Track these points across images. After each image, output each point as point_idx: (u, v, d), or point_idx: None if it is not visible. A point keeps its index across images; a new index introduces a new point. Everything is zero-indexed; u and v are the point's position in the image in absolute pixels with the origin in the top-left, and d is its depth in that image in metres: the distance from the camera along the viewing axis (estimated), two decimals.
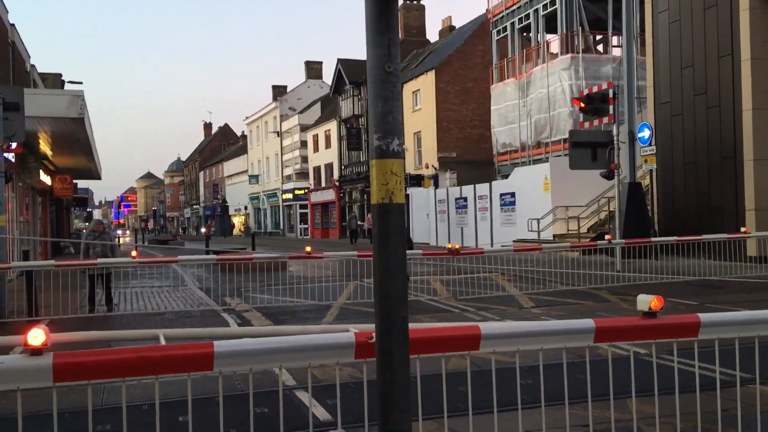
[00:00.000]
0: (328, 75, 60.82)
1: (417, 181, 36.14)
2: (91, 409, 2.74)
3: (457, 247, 12.84)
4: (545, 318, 9.63)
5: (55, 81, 33.06)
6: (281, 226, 62.74)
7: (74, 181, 32.89)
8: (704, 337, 3.36)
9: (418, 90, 38.53)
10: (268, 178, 65.07)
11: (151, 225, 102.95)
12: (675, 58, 19.84)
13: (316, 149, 54.91)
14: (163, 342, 2.98)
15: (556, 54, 27.99)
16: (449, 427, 3.60)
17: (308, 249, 12.66)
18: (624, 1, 18.36)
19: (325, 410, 5.19)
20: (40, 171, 23.85)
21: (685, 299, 10.85)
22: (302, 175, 57.65)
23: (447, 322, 6.58)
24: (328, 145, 52.50)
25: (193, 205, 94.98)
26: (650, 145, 18.54)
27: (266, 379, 5.67)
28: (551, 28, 28.55)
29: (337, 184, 50.34)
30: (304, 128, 57.06)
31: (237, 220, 76.65)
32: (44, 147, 20.24)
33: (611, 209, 21.64)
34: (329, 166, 52.53)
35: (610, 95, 16.36)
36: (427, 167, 37.21)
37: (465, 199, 29.83)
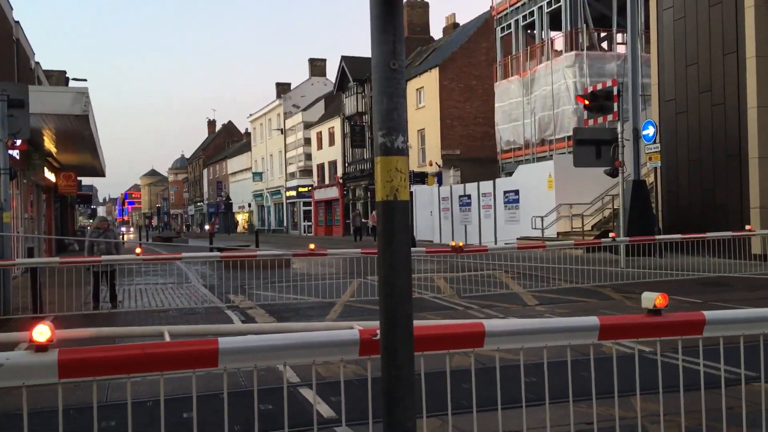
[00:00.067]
0: (331, 72, 60.94)
1: (421, 178, 36.14)
2: (96, 405, 2.74)
3: (460, 244, 12.84)
4: (549, 315, 9.62)
5: (59, 78, 33.11)
6: (285, 224, 62.79)
7: (78, 178, 32.95)
8: (709, 335, 3.35)
9: (422, 87, 38.49)
10: (271, 176, 65.12)
11: (155, 222, 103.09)
12: (680, 56, 19.78)
13: (319, 146, 54.91)
14: (167, 339, 2.99)
15: (561, 51, 27.93)
16: (453, 425, 3.60)
17: (312, 246, 12.67)
18: None
19: (329, 407, 5.20)
20: (45, 168, 23.90)
21: (689, 297, 10.83)
22: (306, 172, 57.68)
23: (451, 320, 6.58)
24: (331, 142, 52.50)
25: (196, 203, 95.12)
26: (655, 142, 18.49)
27: (270, 377, 5.68)
28: (555, 25, 28.48)
29: (340, 181, 50.34)
30: (307, 125, 57.06)
31: (241, 218, 76.75)
32: (49, 144, 20.28)
33: (615, 207, 21.60)
34: (333, 164, 52.54)
35: (615, 92, 16.31)
36: (430, 165, 37.19)
37: (469, 196, 29.81)
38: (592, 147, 16.05)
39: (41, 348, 2.46)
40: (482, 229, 28.50)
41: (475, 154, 36.34)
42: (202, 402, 2.94)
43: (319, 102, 58.15)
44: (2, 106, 10.16)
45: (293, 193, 58.79)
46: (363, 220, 41.47)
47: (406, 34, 44.80)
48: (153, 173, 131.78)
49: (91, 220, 66.30)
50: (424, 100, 38.51)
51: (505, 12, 31.54)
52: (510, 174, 28.76)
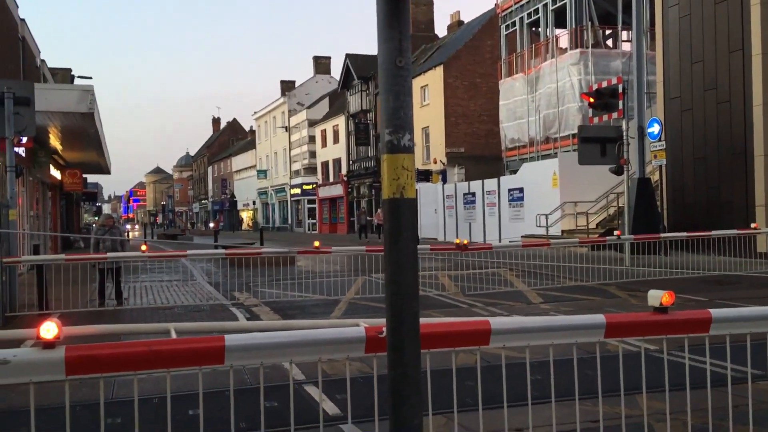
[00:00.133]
0: (336, 70, 60.82)
1: (425, 176, 36.13)
2: (103, 402, 2.75)
3: (465, 242, 12.83)
4: (554, 313, 9.61)
5: (64, 76, 33.19)
6: (289, 221, 62.86)
7: (84, 175, 33.06)
8: (715, 333, 3.35)
9: (427, 85, 38.46)
10: (276, 173, 65.19)
11: (159, 219, 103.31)
12: (685, 53, 19.72)
13: (324, 144, 54.93)
14: (174, 336, 3.00)
15: (565, 49, 27.87)
16: (458, 422, 3.61)
17: (317, 244, 12.67)
18: None
19: (334, 405, 5.21)
20: (50, 165, 23.97)
21: (695, 295, 10.80)
22: (310, 170, 57.72)
23: (456, 317, 6.58)
24: (336, 140, 52.52)
25: (201, 200, 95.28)
26: (660, 140, 18.45)
27: (275, 374, 5.69)
28: (560, 22, 28.42)
29: (345, 179, 50.36)
30: (312, 123, 57.10)
31: (245, 215, 76.86)
32: (54, 142, 20.34)
33: (620, 205, 21.56)
34: (337, 161, 52.55)
35: (620, 90, 16.28)
36: (435, 162, 37.18)
37: (473, 194, 29.79)
38: (597, 145, 16.03)
39: (48, 345, 2.47)
40: (486, 227, 28.49)
41: (480, 151, 36.31)
42: (207, 399, 2.95)
43: (324, 100, 58.18)
44: (8, 104, 10.18)
45: (298, 190, 58.85)
46: (368, 218, 41.50)
47: (411, 31, 44.75)
48: (158, 171, 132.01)
49: (96, 218, 66.51)
50: (428, 97, 38.49)
51: (509, 9, 31.48)
52: (514, 172, 28.73)
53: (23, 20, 19.36)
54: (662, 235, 16.03)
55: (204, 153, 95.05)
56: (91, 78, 33.37)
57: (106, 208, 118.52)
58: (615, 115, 17.02)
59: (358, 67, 46.66)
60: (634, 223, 17.19)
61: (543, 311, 10.08)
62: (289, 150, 61.59)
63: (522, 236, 22.99)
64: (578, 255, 15.00)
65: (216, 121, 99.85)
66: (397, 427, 2.28)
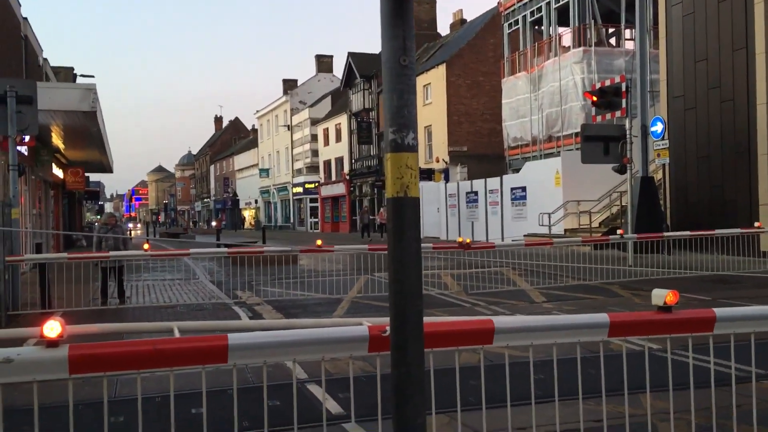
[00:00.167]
0: (338, 69, 60.91)
1: (427, 175, 36.11)
2: (106, 400, 2.75)
3: (468, 241, 12.82)
4: (556, 312, 9.60)
5: (67, 75, 33.22)
6: (291, 220, 62.88)
7: (86, 174, 33.07)
8: (720, 332, 3.34)
9: (429, 84, 38.43)
10: (278, 172, 65.20)
11: (162, 218, 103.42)
12: (688, 52, 19.68)
13: (326, 143, 54.93)
14: (177, 334, 2.99)
15: (568, 47, 27.82)
16: (462, 422, 3.60)
17: (319, 242, 12.67)
18: None
19: (336, 403, 5.21)
20: (53, 164, 24.00)
21: (698, 294, 10.78)
22: (312, 168, 57.73)
23: (459, 316, 6.57)
24: (338, 138, 52.51)
25: (203, 199, 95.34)
26: (663, 139, 18.41)
27: (277, 373, 5.69)
28: (563, 21, 28.37)
29: (347, 177, 50.35)
30: (314, 122, 57.10)
31: (247, 214, 76.90)
32: (57, 140, 20.36)
33: (623, 204, 21.53)
34: (339, 160, 52.55)
35: (623, 89, 16.25)
36: (437, 161, 37.15)
37: (476, 193, 29.77)
38: (600, 143, 16.01)
39: (52, 343, 2.47)
40: (489, 226, 28.47)
41: (482, 150, 36.27)
42: (210, 398, 2.94)
43: (326, 98, 58.17)
44: (11, 103, 10.18)
45: (300, 189, 58.86)
46: (371, 217, 41.48)
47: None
48: (160, 169, 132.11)
49: (98, 216, 66.56)
50: (431, 96, 38.46)
51: (512, 8, 31.43)
52: (517, 170, 28.70)
53: (26, 19, 19.37)
54: (665, 234, 16.01)
55: (206, 152, 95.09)
56: (93, 77, 33.41)
57: (109, 207, 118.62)
58: (618, 113, 16.97)
59: (360, 65, 46.62)
60: (637, 222, 17.16)
61: (546, 310, 10.07)
62: (292, 149, 61.59)
63: (525, 235, 22.96)
64: (581, 254, 14.98)
65: (218, 120, 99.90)
66: (401, 426, 2.27)
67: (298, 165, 60.25)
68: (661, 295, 3.17)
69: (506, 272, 14.51)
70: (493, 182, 28.43)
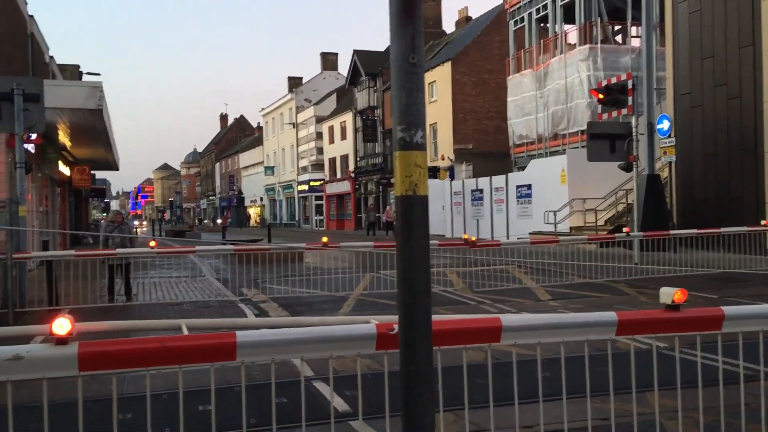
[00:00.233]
0: (343, 66, 60.83)
1: (433, 172, 36.05)
2: (115, 397, 2.77)
3: (473, 239, 12.81)
4: (562, 310, 9.59)
5: (73, 72, 33.31)
6: (297, 218, 62.94)
7: (92, 172, 33.16)
8: (728, 331, 3.33)
9: (434, 81, 38.39)
10: (283, 170, 65.26)
11: (167, 216, 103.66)
12: (695, 49, 19.60)
13: (331, 141, 54.94)
14: (185, 332, 3.00)
15: (574, 45, 27.76)
16: (468, 420, 3.60)
17: (325, 240, 12.68)
18: None
19: (342, 401, 5.21)
20: (59, 162, 24.07)
21: (705, 293, 10.75)
22: (318, 166, 57.75)
23: (465, 314, 6.57)
24: (343, 136, 52.52)
25: (209, 197, 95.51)
26: (669, 136, 18.37)
27: (283, 370, 5.70)
28: (569, 18, 28.30)
29: (352, 175, 50.36)
30: (319, 120, 57.11)
31: (253, 212, 77.00)
32: (63, 138, 20.41)
33: (629, 201, 21.48)
34: (345, 158, 52.56)
35: (629, 86, 16.19)
36: (443, 159, 37.12)
37: (481, 191, 29.74)
38: (606, 141, 15.96)
39: (61, 341, 2.48)
40: (494, 224, 28.44)
41: (488, 148, 36.22)
42: (216, 395, 2.95)
43: (331, 96, 58.18)
44: (18, 101, 10.21)
45: (305, 187, 58.89)
46: (376, 215, 41.49)
47: None
48: (166, 167, 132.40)
49: (104, 214, 66.76)
50: (436, 94, 38.42)
51: (518, 5, 31.36)
52: (522, 168, 28.66)
53: (32, 17, 19.41)
54: (672, 232, 15.96)
55: (211, 149, 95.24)
56: (99, 75, 33.50)
57: (115, 205, 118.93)
58: (624, 111, 16.92)
59: (365, 63, 46.60)
60: (643, 219, 17.12)
61: (551, 308, 10.06)
62: (297, 146, 61.64)
63: (530, 233, 22.93)
64: (587, 252, 14.95)
65: (223, 118, 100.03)
66: (410, 424, 2.27)
67: (303, 163, 60.29)
68: (669, 294, 3.17)
69: (512, 270, 14.49)
70: (499, 180, 28.39)
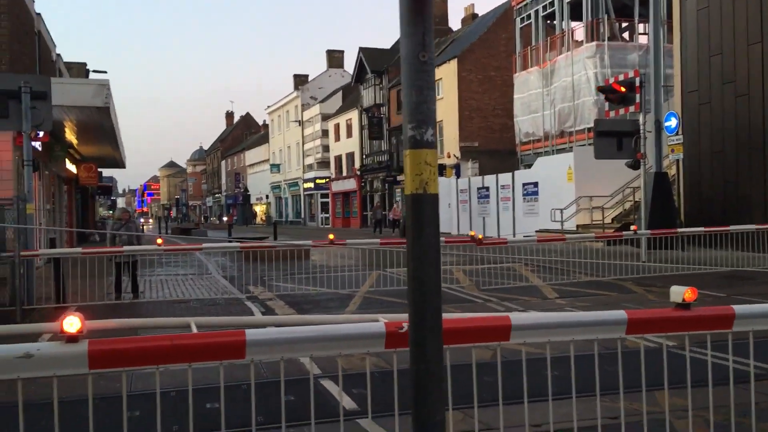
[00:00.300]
0: (349, 64, 60.83)
1: (439, 170, 35.89)
2: (125, 395, 2.77)
3: (480, 237, 12.79)
4: (570, 309, 9.57)
5: (80, 70, 33.39)
6: (302, 215, 63.00)
7: (99, 169, 33.25)
8: (739, 330, 3.31)
9: (441, 79, 38.32)
10: (289, 167, 65.32)
11: (173, 213, 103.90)
12: (703, 46, 19.50)
13: (337, 138, 54.94)
14: (195, 330, 3.00)
15: (581, 42, 27.67)
16: (477, 418, 3.59)
17: (331, 236, 12.69)
18: None
19: (350, 399, 5.21)
20: (66, 160, 24.14)
21: (713, 291, 10.71)
22: (323, 164, 57.78)
23: (471, 313, 6.55)
24: (349, 134, 52.51)
25: (215, 194, 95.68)
26: (677, 134, 18.28)
27: (290, 368, 5.70)
28: (576, 15, 28.21)
29: (358, 173, 50.37)
30: (325, 117, 57.12)
31: (258, 209, 77.11)
32: (70, 136, 20.46)
33: (636, 199, 21.41)
34: (350, 156, 52.56)
35: (637, 84, 16.12)
36: (448, 156, 37.08)
37: (487, 188, 29.70)
38: (614, 139, 15.89)
39: (72, 339, 2.48)
40: (500, 222, 28.40)
41: (494, 146, 36.16)
42: (224, 393, 2.96)
43: (337, 94, 58.17)
44: (25, 98, 10.23)
45: (311, 184, 58.93)
46: (383, 213, 41.48)
47: None
48: (172, 165, 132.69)
49: (110, 212, 66.95)
50: (442, 91, 38.36)
51: (524, 2, 31.28)
52: (529, 166, 28.60)
53: (39, 15, 19.46)
54: (679, 230, 15.90)
55: (217, 147, 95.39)
56: (106, 72, 33.52)
57: (121, 202, 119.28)
58: (632, 108, 16.86)
59: (371, 60, 46.57)
60: (650, 217, 17.04)
61: (558, 306, 10.04)
62: (303, 144, 61.67)
63: (536, 231, 22.89)
64: (594, 250, 14.91)
65: (229, 116, 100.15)
66: (420, 423, 2.27)
67: (309, 160, 60.31)
68: (680, 292, 3.15)
69: (518, 268, 14.47)
70: (505, 178, 28.34)
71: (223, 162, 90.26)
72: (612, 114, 17.65)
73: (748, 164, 18.06)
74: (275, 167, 67.65)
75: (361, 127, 49.54)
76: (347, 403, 5.13)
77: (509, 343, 3.09)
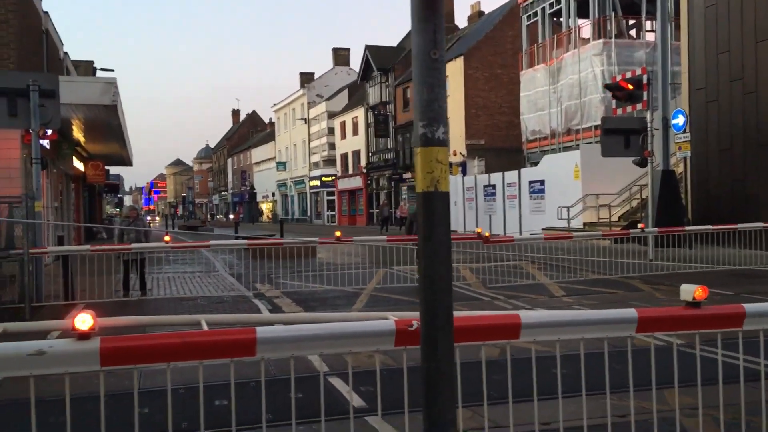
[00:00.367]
0: (355, 62, 60.78)
1: None
2: (137, 392, 2.78)
3: (486, 234, 12.78)
4: (577, 307, 9.55)
5: (87, 68, 33.47)
6: (308, 213, 63.06)
7: (106, 167, 33.35)
8: (749, 328, 3.30)
9: (447, 76, 38.25)
10: (295, 165, 65.38)
11: (180, 211, 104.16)
12: (711, 43, 19.41)
13: (343, 136, 54.96)
14: (205, 328, 3.01)
15: (588, 39, 27.58)
16: (486, 416, 3.59)
17: (338, 234, 12.70)
18: None
19: (359, 397, 5.22)
20: (74, 158, 24.23)
21: (720, 289, 10.66)
22: (329, 162, 57.81)
23: (479, 311, 6.54)
24: (355, 132, 52.52)
25: (221, 192, 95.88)
26: (685, 131, 18.21)
27: (298, 365, 5.70)
28: (583, 12, 28.12)
29: (364, 171, 50.38)
30: (331, 115, 57.14)
31: (265, 207, 77.22)
32: (77, 134, 20.53)
33: (643, 197, 21.34)
34: (356, 153, 52.57)
35: (644, 81, 16.06)
36: (455, 154, 37.05)
37: (493, 186, 29.66)
38: (621, 136, 15.84)
39: (84, 336, 2.50)
40: (507, 220, 28.37)
41: (500, 143, 36.11)
42: (234, 390, 2.97)
43: (343, 91, 58.18)
44: (34, 97, 10.29)
45: (317, 182, 58.98)
46: (390, 210, 41.48)
47: None
48: (178, 162, 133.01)
49: (117, 209, 67.16)
50: (448, 89, 38.30)
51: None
52: (535, 164, 28.54)
53: (46, 13, 19.51)
54: (686, 228, 15.85)
55: (224, 145, 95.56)
56: (113, 70, 33.64)
57: (128, 200, 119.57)
58: (639, 106, 16.79)
59: (377, 58, 46.55)
60: (657, 215, 16.99)
61: (566, 304, 10.02)
62: (309, 142, 61.71)
63: (543, 229, 22.86)
64: (601, 248, 14.88)
65: (236, 113, 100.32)
66: (432, 421, 2.27)
67: (315, 158, 60.36)
68: (690, 291, 3.14)
69: (525, 266, 14.46)
70: (511, 176, 28.30)
71: (230, 160, 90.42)
72: (619, 111, 17.59)
73: (756, 162, 17.97)
74: (281, 165, 67.74)
75: (367, 125, 49.53)
76: (356, 400, 5.13)
77: (518, 341, 3.09)
